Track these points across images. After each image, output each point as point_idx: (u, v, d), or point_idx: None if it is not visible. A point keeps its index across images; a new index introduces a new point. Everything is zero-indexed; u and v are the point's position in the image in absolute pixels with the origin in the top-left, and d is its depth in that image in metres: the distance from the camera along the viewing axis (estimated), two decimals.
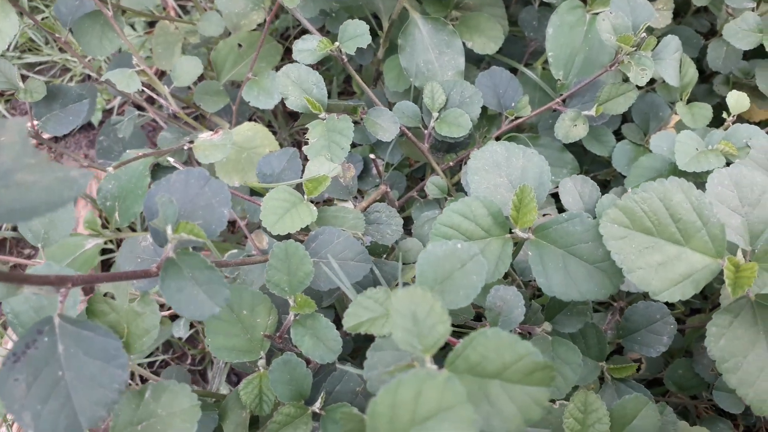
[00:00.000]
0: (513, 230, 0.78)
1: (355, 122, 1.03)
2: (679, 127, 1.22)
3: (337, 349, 0.78)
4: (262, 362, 0.84)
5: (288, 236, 0.95)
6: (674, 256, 0.71)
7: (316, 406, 0.78)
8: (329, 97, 1.47)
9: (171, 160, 1.02)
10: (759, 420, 1.26)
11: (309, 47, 1.01)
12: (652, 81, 1.39)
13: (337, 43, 1.01)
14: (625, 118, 1.31)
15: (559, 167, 1.23)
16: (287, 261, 0.80)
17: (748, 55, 1.38)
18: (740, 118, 1.42)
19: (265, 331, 0.83)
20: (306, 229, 0.92)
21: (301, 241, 0.88)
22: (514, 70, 1.33)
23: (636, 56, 1.03)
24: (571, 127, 1.09)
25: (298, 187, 0.94)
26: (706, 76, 1.54)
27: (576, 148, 1.30)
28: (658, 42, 1.13)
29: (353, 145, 1.47)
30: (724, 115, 1.13)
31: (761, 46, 1.15)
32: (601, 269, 0.74)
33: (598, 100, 1.10)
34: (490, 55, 1.35)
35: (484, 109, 1.21)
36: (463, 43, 1.20)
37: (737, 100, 1.12)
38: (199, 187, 0.68)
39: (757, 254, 0.71)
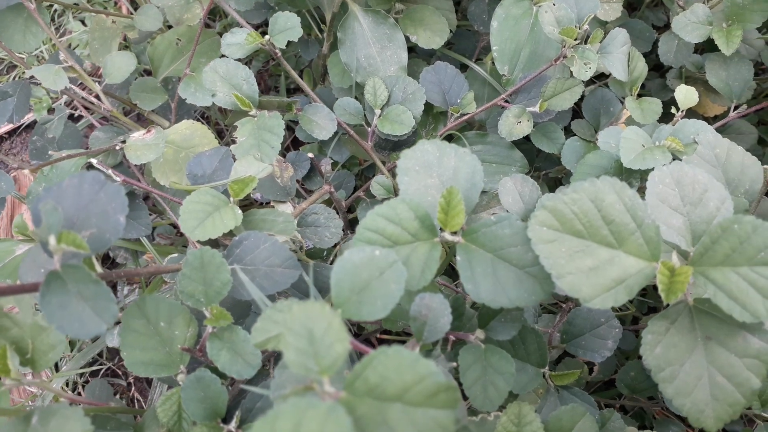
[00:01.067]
0: (441, 234, 0.74)
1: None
2: (630, 123, 1.19)
3: (256, 364, 0.73)
4: (182, 377, 0.79)
5: (215, 243, 0.89)
6: (607, 260, 0.68)
7: (232, 426, 0.73)
8: (279, 94, 1.42)
9: (94, 161, 0.96)
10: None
11: (238, 41, 0.96)
12: (604, 76, 1.36)
13: (267, 37, 0.96)
14: (577, 113, 1.28)
15: (508, 165, 1.19)
16: (202, 270, 0.75)
17: (702, 49, 1.36)
18: (694, 114, 1.40)
19: (184, 344, 0.78)
20: (233, 235, 0.87)
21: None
22: (466, 67, 1.29)
23: (580, 50, 1.00)
24: (515, 123, 1.05)
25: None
26: (663, 71, 1.52)
27: (528, 146, 1.27)
28: (606, 35, 1.10)
29: (300, 144, 1.43)
30: (673, 110, 1.10)
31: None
32: (531, 274, 0.70)
33: (543, 96, 1.06)
34: (439, 50, 1.31)
35: (429, 105, 1.17)
36: (408, 38, 1.16)
37: (686, 95, 1.09)
38: (94, 192, 0.63)
39: (693, 257, 0.68)
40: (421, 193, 0.77)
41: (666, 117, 1.20)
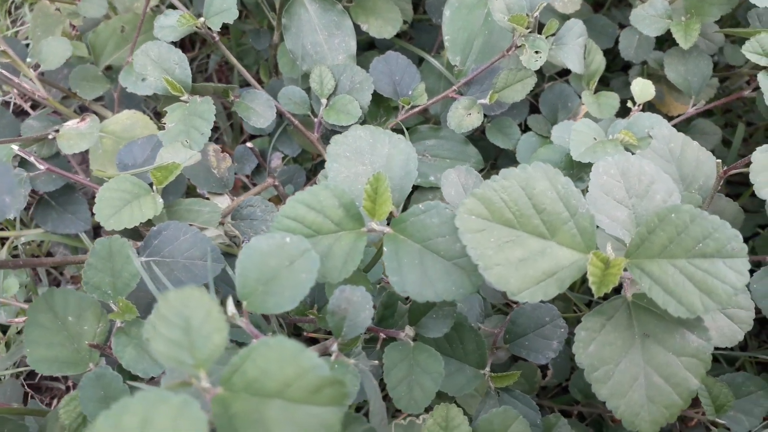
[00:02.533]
0: (369, 224, 0.69)
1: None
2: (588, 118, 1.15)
3: None
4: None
5: (138, 234, 0.84)
6: (538, 252, 0.63)
7: None
8: (229, 83, 1.37)
9: (15, 148, 0.90)
10: (674, 427, 1.20)
11: (170, 23, 0.91)
12: (566, 72, 1.33)
13: (201, 19, 0.91)
14: (535, 109, 1.24)
15: (462, 161, 1.15)
16: (110, 260, 0.70)
17: (666, 47, 1.32)
18: (657, 113, 1.36)
19: (93, 340, 0.73)
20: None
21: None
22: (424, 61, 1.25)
23: (531, 39, 0.96)
24: (464, 116, 1.01)
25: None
26: (626, 67, 1.48)
27: (484, 143, 1.23)
28: (561, 26, 1.06)
29: (252, 137, 1.37)
30: (629, 104, 1.06)
31: None
32: (460, 266, 0.66)
33: (494, 87, 1.02)
34: (397, 43, 1.27)
35: (380, 97, 1.13)
36: (359, 27, 1.11)
37: (642, 89, 1.05)
38: None
39: (629, 249, 0.64)
40: (351, 180, 0.73)
41: (627, 114, 1.16)
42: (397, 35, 1.37)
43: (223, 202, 0.99)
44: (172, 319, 0.45)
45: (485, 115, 1.17)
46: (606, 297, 0.68)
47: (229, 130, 1.45)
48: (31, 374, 1.32)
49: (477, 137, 1.26)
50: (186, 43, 1.60)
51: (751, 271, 1.05)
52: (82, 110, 1.42)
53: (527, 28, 0.95)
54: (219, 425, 0.42)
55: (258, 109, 0.95)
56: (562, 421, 0.88)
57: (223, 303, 0.60)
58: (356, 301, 0.64)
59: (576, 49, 1.06)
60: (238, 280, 0.58)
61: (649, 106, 1.36)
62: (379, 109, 1.13)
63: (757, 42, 0.99)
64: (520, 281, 0.62)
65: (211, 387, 0.45)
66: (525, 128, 1.23)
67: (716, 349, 1.19)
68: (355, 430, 0.55)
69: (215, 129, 1.51)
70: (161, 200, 0.80)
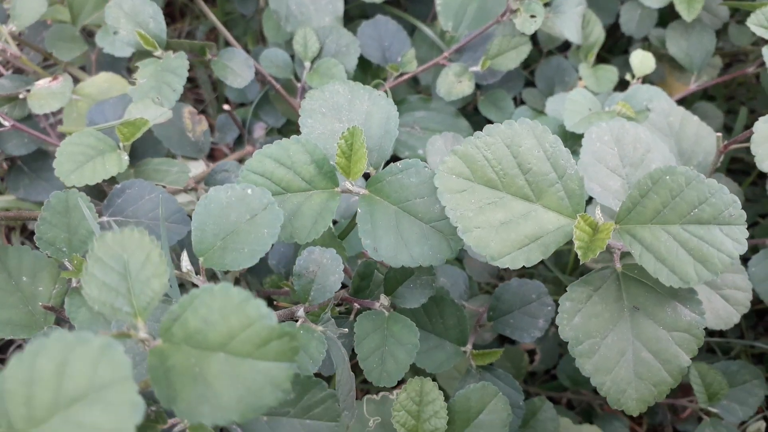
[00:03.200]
0: (343, 183, 0.64)
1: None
2: None
3: None
4: None
5: (102, 192, 0.80)
6: (521, 214, 0.59)
7: None
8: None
9: None
10: (665, 418, 1.16)
11: None
12: (565, 47, 1.28)
13: None
14: (530, 83, 1.19)
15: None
16: (67, 215, 0.65)
17: (666, 22, 1.27)
18: None
19: (48, 301, 0.68)
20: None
21: None
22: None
23: (526, 2, 0.91)
24: (455, 83, 0.96)
25: None
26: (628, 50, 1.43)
27: (478, 117, 1.18)
28: None
29: (237, 106, 1.32)
30: (628, 77, 1.01)
31: None
32: (438, 229, 0.61)
33: (487, 54, 0.97)
34: (390, 11, 1.21)
35: (368, 63, 1.08)
36: None
37: (642, 61, 1.00)
38: None
39: (619, 213, 0.59)
40: (326, 137, 0.68)
41: (626, 89, 1.11)
42: (391, 3, 1.32)
43: (198, 167, 0.94)
44: (108, 262, 0.40)
45: (478, 86, 1.12)
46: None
47: (215, 102, 1.40)
48: (3, 348, 1.28)
49: (470, 112, 1.21)
50: (175, 14, 1.55)
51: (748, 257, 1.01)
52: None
53: None
54: (154, 379, 0.38)
55: (236, 68, 0.90)
56: (547, 405, 0.84)
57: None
58: (326, 264, 0.60)
59: (574, 17, 1.01)
60: (194, 233, 0.54)
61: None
62: (367, 75, 1.08)
63: (762, 14, 0.94)
64: (500, 245, 0.57)
65: (151, 338, 0.40)
66: (520, 102, 1.18)
67: (711, 337, 1.15)
68: (315, 396, 0.51)
69: (200, 100, 1.47)
70: (126, 157, 0.75)
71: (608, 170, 0.71)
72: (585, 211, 0.59)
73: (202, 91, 1.42)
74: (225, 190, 0.54)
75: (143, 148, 1.01)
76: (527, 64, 1.27)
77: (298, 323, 0.59)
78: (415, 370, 0.78)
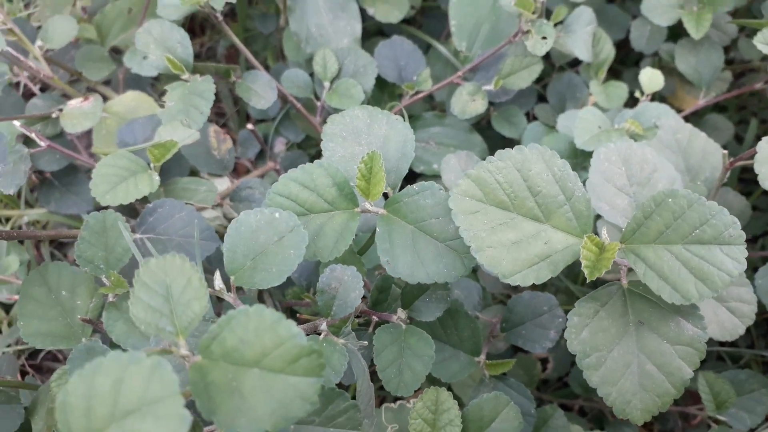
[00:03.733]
0: (363, 204, 0.68)
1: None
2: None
3: None
4: None
5: (135, 211, 0.84)
6: (531, 234, 0.62)
7: None
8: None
9: (16, 124, 0.91)
10: (676, 425, 1.18)
11: (174, 1, 0.91)
12: (576, 63, 1.31)
13: None
14: (542, 98, 1.22)
15: (467, 149, 1.13)
16: (104, 234, 0.70)
17: (677, 38, 1.30)
18: (669, 107, 1.34)
19: (86, 314, 0.73)
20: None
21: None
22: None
23: (537, 24, 0.94)
24: (469, 101, 1.00)
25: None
26: (639, 62, 1.46)
27: (491, 132, 1.21)
28: (570, 14, 1.04)
29: (258, 122, 1.37)
30: (637, 94, 1.04)
31: None
32: (452, 248, 0.65)
33: (500, 74, 1.01)
34: (406, 30, 1.25)
35: (385, 82, 1.12)
36: (365, 10, 1.10)
37: (651, 78, 1.03)
38: None
39: (624, 233, 0.62)
40: (346, 161, 0.72)
41: (636, 105, 1.14)
42: (406, 21, 1.36)
43: (223, 183, 0.99)
44: (152, 286, 0.44)
45: (491, 103, 1.15)
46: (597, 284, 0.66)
47: (236, 116, 1.45)
48: (34, 354, 1.33)
49: (483, 127, 1.24)
50: (196, 29, 1.60)
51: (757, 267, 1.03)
52: (89, 92, 1.42)
53: (534, 13, 0.94)
54: (195, 393, 0.42)
55: (259, 90, 0.94)
56: (558, 413, 0.87)
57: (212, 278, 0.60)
58: (347, 281, 0.63)
59: (584, 36, 1.04)
60: (226, 254, 0.58)
61: (660, 100, 1.33)
62: (384, 94, 1.12)
63: None
64: (512, 264, 0.61)
65: (191, 354, 0.44)
66: (532, 118, 1.21)
67: (720, 345, 1.17)
68: (339, 406, 0.55)
69: (221, 114, 1.51)
70: (157, 177, 0.80)
71: (616, 189, 0.74)
72: (593, 231, 0.63)
73: (223, 105, 1.47)
74: (255, 214, 0.58)
75: (169, 166, 1.06)
76: (540, 79, 1.31)
77: (321, 336, 0.63)
78: (432, 380, 0.82)
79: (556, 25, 1.06)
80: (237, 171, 1.32)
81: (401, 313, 0.71)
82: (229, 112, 1.46)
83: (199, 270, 0.59)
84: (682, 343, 0.62)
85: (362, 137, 0.73)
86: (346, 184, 0.67)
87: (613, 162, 0.75)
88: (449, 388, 0.99)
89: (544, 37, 0.92)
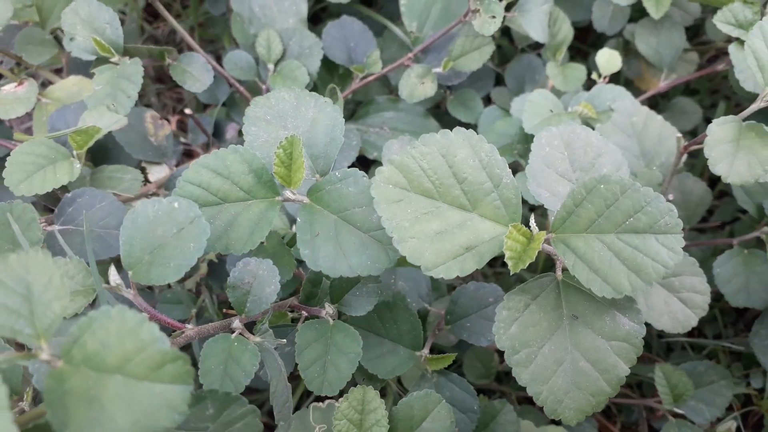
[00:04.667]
0: (284, 192, 0.64)
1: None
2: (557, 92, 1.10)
3: None
4: None
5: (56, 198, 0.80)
6: (457, 224, 0.58)
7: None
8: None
9: None
10: (641, 416, 1.15)
11: None
12: (538, 46, 1.26)
13: None
14: (502, 81, 1.18)
15: (422, 134, 1.09)
16: (10, 227, 0.65)
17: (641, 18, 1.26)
18: (635, 88, 1.30)
19: None
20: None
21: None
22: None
23: (486, 2, 0.90)
24: (417, 84, 0.95)
25: None
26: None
27: (450, 117, 1.17)
28: None
29: (205, 106, 1.32)
30: (594, 75, 1.00)
31: None
32: (377, 239, 0.61)
33: (450, 56, 0.96)
34: (363, 11, 1.20)
35: (335, 64, 1.07)
36: None
37: (609, 60, 0.99)
38: None
39: (554, 222, 0.58)
40: (270, 145, 0.67)
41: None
42: (366, 2, 1.31)
43: (161, 171, 0.94)
44: (11, 284, 0.40)
45: (448, 87, 1.11)
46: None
47: (195, 102, 1.40)
48: None
49: (442, 112, 1.20)
50: (158, 12, 1.54)
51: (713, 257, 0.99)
52: (26, 78, 1.37)
53: None
54: (48, 402, 0.38)
55: (194, 73, 0.90)
56: (507, 408, 0.84)
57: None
58: (261, 275, 0.59)
59: (540, 16, 1.00)
60: (123, 248, 0.54)
61: (626, 83, 1.30)
62: (333, 77, 1.08)
63: (729, 11, 0.93)
64: (435, 255, 0.57)
65: (56, 359, 0.40)
66: (491, 102, 1.17)
67: (685, 335, 1.14)
68: (235, 411, 0.51)
69: (180, 99, 1.46)
70: (79, 166, 0.75)
71: (557, 175, 0.70)
72: (521, 219, 0.59)
73: (182, 90, 1.42)
74: (152, 204, 0.54)
75: (107, 155, 1.01)
76: (503, 62, 1.26)
77: (234, 335, 0.59)
78: (369, 375, 0.78)
79: (511, 4, 1.01)
80: (192, 157, 1.27)
81: (329, 308, 0.67)
82: (187, 97, 1.41)
83: (91, 261, 0.55)
84: (617, 339, 0.58)
85: (288, 121, 0.69)
86: (265, 171, 0.63)
87: (555, 146, 0.71)
88: (399, 382, 0.96)
89: (493, 16, 0.88)
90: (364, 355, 0.73)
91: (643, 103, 1.27)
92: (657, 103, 1.34)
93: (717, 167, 0.72)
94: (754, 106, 0.75)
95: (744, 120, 0.77)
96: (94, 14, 0.86)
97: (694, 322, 0.80)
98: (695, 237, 1.15)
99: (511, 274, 0.54)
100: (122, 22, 1.51)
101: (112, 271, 0.54)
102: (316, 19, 1.38)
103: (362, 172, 0.62)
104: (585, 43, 1.35)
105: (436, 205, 0.59)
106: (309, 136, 0.68)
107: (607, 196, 0.56)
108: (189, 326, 0.56)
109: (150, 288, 0.98)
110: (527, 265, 0.54)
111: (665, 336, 1.16)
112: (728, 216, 1.25)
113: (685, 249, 0.98)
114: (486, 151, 0.59)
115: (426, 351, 0.79)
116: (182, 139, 1.17)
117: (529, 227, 0.59)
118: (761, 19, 0.76)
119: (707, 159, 0.73)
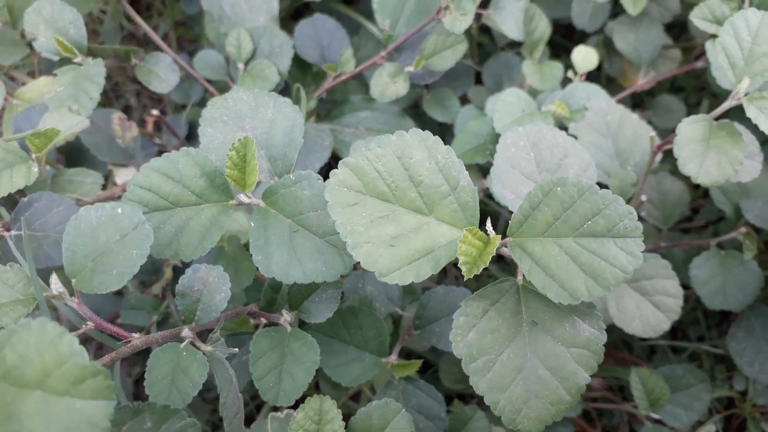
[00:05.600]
0: (238, 196, 0.62)
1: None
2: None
3: None
4: None
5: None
6: (413, 228, 0.57)
7: None
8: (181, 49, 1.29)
9: None
10: (622, 420, 1.14)
11: None
12: (519, 43, 1.25)
13: None
14: (480, 79, 1.16)
15: None
16: None
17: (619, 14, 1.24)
18: (617, 86, 1.28)
19: None
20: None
21: None
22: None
23: (457, 0, 0.88)
24: (389, 83, 0.94)
25: None
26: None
27: (428, 117, 1.15)
28: None
29: (182, 107, 1.30)
30: (570, 74, 0.98)
31: None
32: (332, 243, 0.59)
33: (422, 54, 0.95)
34: (342, 8, 1.18)
35: (309, 63, 1.05)
36: None
37: (585, 57, 0.97)
38: None
39: (511, 226, 0.57)
40: (226, 147, 0.66)
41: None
42: (345, 1, 1.29)
43: (128, 173, 0.93)
44: None
45: (426, 86, 1.09)
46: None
47: (174, 102, 1.38)
48: None
49: (420, 111, 1.18)
50: (142, 11, 1.53)
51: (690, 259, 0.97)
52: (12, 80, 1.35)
53: None
54: None
55: (160, 73, 0.88)
56: (478, 415, 0.82)
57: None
58: (212, 282, 0.58)
59: (515, 13, 0.98)
60: (65, 255, 0.52)
61: (608, 80, 1.28)
62: (307, 76, 1.06)
63: (706, 7, 0.91)
64: (389, 261, 0.55)
65: None
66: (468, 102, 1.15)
67: (667, 338, 1.13)
68: (174, 425, 0.50)
69: (159, 100, 1.45)
70: (36, 169, 0.74)
71: (523, 176, 0.69)
72: (479, 223, 0.57)
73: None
74: (95, 210, 0.53)
75: (82, 156, 1.00)
76: (484, 60, 1.25)
77: (183, 344, 0.57)
78: (333, 384, 0.77)
79: (487, 2, 1.00)
80: None
81: (287, 315, 0.65)
82: (166, 98, 1.39)
83: (30, 266, 0.54)
84: (577, 346, 0.57)
85: (246, 122, 0.67)
86: (218, 174, 0.61)
87: (521, 147, 0.69)
88: (372, 390, 0.94)
89: (464, 14, 0.86)
90: (328, 363, 0.72)
91: (626, 100, 1.25)
92: (642, 100, 1.32)
93: (686, 167, 0.71)
94: (726, 105, 0.74)
95: (716, 119, 0.76)
96: (57, 14, 0.84)
97: (667, 326, 0.79)
98: (679, 237, 1.13)
99: (465, 279, 0.52)
100: (102, 20, 1.50)
101: (54, 278, 0.52)
102: (299, 15, 1.36)
103: (317, 175, 0.61)
104: (571, 41, 1.33)
105: (392, 208, 0.57)
106: (267, 137, 0.67)
107: (564, 198, 0.54)
108: (136, 335, 0.55)
109: (119, 292, 0.97)
110: (480, 270, 0.52)
111: (648, 338, 1.15)
112: (714, 215, 1.24)
113: (664, 250, 0.96)
114: (442, 153, 0.57)
115: (394, 357, 0.77)
116: (157, 140, 1.16)
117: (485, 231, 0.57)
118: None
119: (676, 158, 0.71)
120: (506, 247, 0.57)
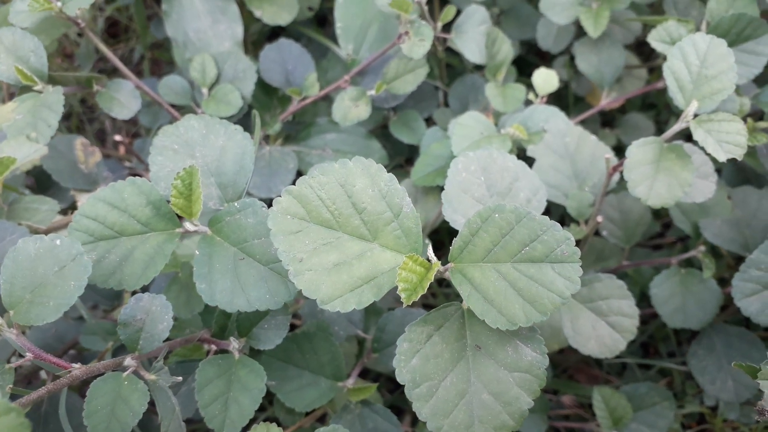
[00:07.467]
0: (184, 224, 0.63)
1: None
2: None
3: None
4: None
5: None
6: (356, 255, 0.57)
7: None
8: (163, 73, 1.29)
9: None
10: None
11: (25, 8, 0.85)
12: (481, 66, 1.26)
13: (58, 3, 0.85)
14: (446, 101, 1.17)
15: (364, 156, 1.08)
16: None
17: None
18: (586, 105, 1.29)
19: None
20: None
21: None
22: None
23: (416, 25, 0.89)
24: (351, 107, 0.94)
25: None
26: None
27: (396, 138, 1.16)
28: (459, 13, 0.99)
29: (149, 131, 1.31)
30: (531, 96, 0.99)
31: None
32: (277, 271, 0.60)
33: (384, 78, 0.95)
34: (310, 33, 1.20)
35: (273, 88, 1.06)
36: (251, 13, 1.05)
37: (545, 79, 0.98)
38: None
39: (452, 252, 0.57)
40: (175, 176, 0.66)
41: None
42: (320, 23, 1.30)
43: None
44: None
45: (393, 108, 1.10)
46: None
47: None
48: None
49: (389, 132, 1.19)
50: (120, 33, 1.54)
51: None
52: None
53: (414, 13, 0.89)
54: None
55: (122, 99, 0.89)
56: None
57: None
58: (154, 311, 0.58)
59: (476, 37, 0.99)
60: (3, 287, 0.52)
61: (577, 100, 1.29)
62: (272, 99, 1.07)
63: (663, 30, 0.93)
64: (331, 288, 0.56)
65: None
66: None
67: (633, 354, 1.13)
68: None
69: (133, 122, 1.45)
70: None
71: (474, 200, 0.69)
72: (422, 249, 0.58)
73: (137, 116, 1.41)
74: (34, 242, 0.53)
75: (45, 181, 1.00)
76: (452, 80, 1.26)
77: (125, 373, 0.57)
78: (288, 410, 0.77)
79: (447, 25, 1.01)
80: None
81: (235, 342, 0.65)
82: (141, 121, 1.40)
83: None
84: (520, 370, 0.57)
85: (197, 149, 0.68)
86: (164, 203, 0.62)
87: (471, 172, 0.70)
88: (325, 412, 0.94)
89: (422, 39, 0.87)
90: (282, 388, 0.72)
91: (594, 118, 1.27)
92: (614, 118, 1.33)
93: (636, 190, 0.72)
94: (676, 127, 0.74)
95: (670, 140, 0.77)
96: (18, 43, 0.85)
97: (623, 346, 0.79)
98: (648, 254, 1.14)
99: (404, 306, 0.53)
100: (78, 44, 1.50)
101: None
102: (275, 35, 1.37)
103: (261, 203, 0.61)
104: (544, 60, 1.35)
105: (335, 235, 0.58)
106: (218, 164, 0.67)
107: (502, 225, 0.55)
108: (76, 366, 0.54)
109: (82, 317, 0.96)
110: (419, 296, 0.53)
111: (619, 355, 1.15)
112: (682, 232, 1.24)
113: (627, 268, 0.96)
114: (385, 180, 0.58)
115: (352, 381, 0.77)
116: (127, 163, 1.16)
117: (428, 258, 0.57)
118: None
119: (626, 181, 0.72)
120: (448, 272, 0.57)
